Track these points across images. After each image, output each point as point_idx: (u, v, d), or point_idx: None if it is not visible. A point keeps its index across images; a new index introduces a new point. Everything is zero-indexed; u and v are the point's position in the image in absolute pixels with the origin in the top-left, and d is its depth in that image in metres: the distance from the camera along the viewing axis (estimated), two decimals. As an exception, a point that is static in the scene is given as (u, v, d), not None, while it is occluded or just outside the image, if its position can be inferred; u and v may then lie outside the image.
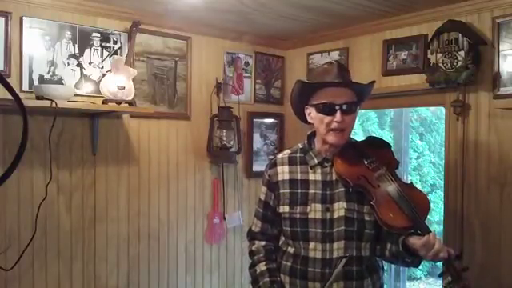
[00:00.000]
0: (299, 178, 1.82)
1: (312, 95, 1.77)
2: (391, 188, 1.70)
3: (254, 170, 3.34)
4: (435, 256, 1.52)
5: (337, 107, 1.69)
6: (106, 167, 2.68)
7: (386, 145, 1.91)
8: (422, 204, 1.68)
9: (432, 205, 1.75)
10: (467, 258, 2.39)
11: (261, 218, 1.92)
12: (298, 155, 1.87)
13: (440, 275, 1.58)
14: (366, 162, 1.77)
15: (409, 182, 1.85)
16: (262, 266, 1.85)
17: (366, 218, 1.73)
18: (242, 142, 3.23)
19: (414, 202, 1.65)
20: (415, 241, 1.57)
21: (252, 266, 1.90)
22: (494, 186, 2.33)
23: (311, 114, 1.79)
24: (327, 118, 1.71)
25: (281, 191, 1.84)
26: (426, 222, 1.66)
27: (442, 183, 2.61)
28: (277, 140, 3.48)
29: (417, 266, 1.73)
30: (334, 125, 1.71)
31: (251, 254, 1.92)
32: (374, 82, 1.82)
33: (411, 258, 1.62)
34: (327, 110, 1.71)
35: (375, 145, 1.86)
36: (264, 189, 1.92)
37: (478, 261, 2.35)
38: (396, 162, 1.84)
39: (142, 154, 2.84)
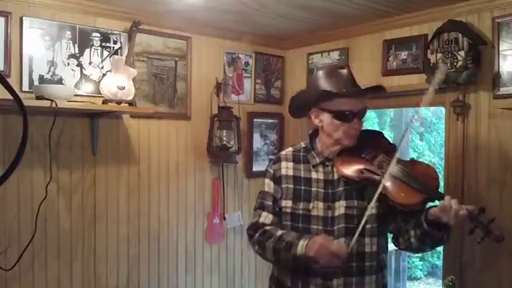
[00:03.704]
0: (302, 175, 1.84)
1: (325, 101, 1.77)
2: (394, 169, 1.72)
3: (254, 170, 3.34)
4: (456, 217, 1.53)
5: (355, 115, 1.74)
6: (106, 167, 2.68)
7: (376, 132, 1.96)
8: (428, 175, 1.71)
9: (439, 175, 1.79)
10: (468, 257, 2.39)
11: (271, 211, 1.86)
12: (301, 154, 1.89)
13: (469, 233, 1.58)
14: (362, 155, 1.81)
15: (409, 159, 1.87)
16: (282, 231, 1.78)
17: (367, 212, 1.73)
18: (242, 142, 3.23)
19: (420, 175, 1.68)
20: (435, 210, 1.59)
21: (270, 237, 1.78)
22: (493, 185, 2.33)
23: (323, 119, 1.79)
24: (345, 126, 1.74)
25: (283, 186, 1.85)
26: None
27: (442, 183, 2.61)
28: (277, 140, 3.48)
29: (446, 241, 1.70)
30: (353, 132, 1.76)
31: (264, 232, 1.81)
32: (383, 88, 1.85)
33: (438, 233, 1.61)
34: (346, 117, 1.74)
35: (366, 136, 1.87)
36: (271, 183, 1.89)
37: (478, 260, 2.35)
38: (391, 145, 1.88)
39: (141, 153, 2.84)
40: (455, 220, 1.54)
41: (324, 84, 1.77)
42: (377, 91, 1.82)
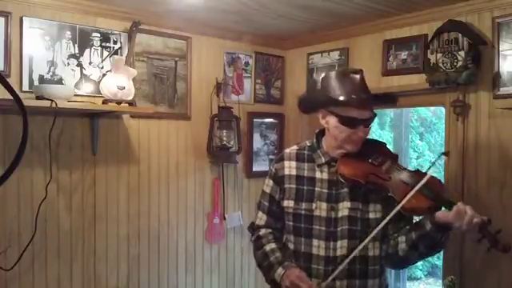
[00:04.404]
0: (306, 175, 1.84)
1: (333, 105, 1.78)
2: (403, 175, 1.74)
3: (254, 170, 3.34)
4: (470, 223, 1.53)
5: (361, 122, 1.74)
6: (106, 167, 2.68)
7: (380, 142, 1.97)
8: (435, 183, 1.72)
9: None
10: (468, 258, 2.39)
11: (266, 212, 1.92)
12: (305, 152, 1.89)
13: (477, 243, 1.58)
14: (370, 160, 1.80)
15: (414, 169, 1.88)
16: (272, 245, 1.86)
17: (371, 216, 1.75)
18: (242, 142, 3.23)
19: (428, 183, 1.68)
20: (445, 214, 1.58)
21: (260, 247, 1.88)
22: (494, 186, 2.33)
23: (329, 120, 1.78)
24: (350, 131, 1.74)
25: (286, 186, 1.85)
26: None
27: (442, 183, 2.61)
28: (277, 140, 3.48)
29: (441, 248, 1.70)
30: (357, 138, 1.76)
31: (258, 238, 1.91)
32: (395, 97, 1.86)
33: (438, 234, 1.61)
34: (352, 124, 1.73)
35: (370, 144, 1.88)
36: (270, 182, 1.92)
37: (479, 261, 2.35)
38: (395, 155, 1.90)
39: (141, 153, 2.84)
40: (467, 227, 1.54)
41: (335, 87, 1.75)
42: (387, 102, 1.83)
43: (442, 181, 2.55)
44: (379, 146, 1.91)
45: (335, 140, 1.79)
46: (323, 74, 1.84)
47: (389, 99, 1.92)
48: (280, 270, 1.75)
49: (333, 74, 1.82)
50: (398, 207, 1.63)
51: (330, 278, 1.68)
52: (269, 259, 1.82)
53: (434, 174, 1.77)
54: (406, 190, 1.68)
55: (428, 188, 1.67)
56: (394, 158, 1.85)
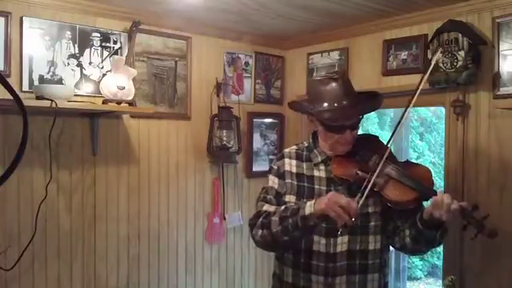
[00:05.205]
0: (305, 173, 1.86)
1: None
2: (388, 169, 1.75)
3: (254, 170, 3.34)
4: (448, 211, 1.55)
5: (347, 127, 1.76)
6: (106, 167, 2.68)
7: (371, 135, 1.99)
8: (422, 174, 1.74)
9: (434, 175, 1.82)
10: (468, 258, 2.39)
11: (274, 205, 1.84)
12: (304, 152, 1.92)
13: (462, 229, 1.59)
14: (357, 157, 1.83)
15: (404, 160, 1.89)
16: (283, 206, 1.77)
17: (370, 210, 1.76)
18: (242, 142, 3.23)
19: (413, 174, 1.71)
20: (428, 207, 1.61)
21: (272, 215, 1.75)
22: (493, 186, 2.33)
23: (317, 125, 1.82)
24: (336, 136, 1.77)
25: (287, 181, 1.87)
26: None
27: (442, 183, 2.61)
28: (277, 140, 3.48)
29: (440, 242, 1.71)
30: (344, 142, 1.79)
31: (267, 215, 1.77)
32: (378, 96, 1.85)
33: (433, 233, 1.63)
34: (337, 130, 1.76)
35: (362, 140, 1.90)
36: (275, 179, 1.89)
37: (478, 262, 2.35)
38: (385, 146, 1.86)
39: (141, 153, 2.84)
40: (447, 215, 1.56)
41: (317, 95, 1.80)
42: (372, 101, 1.84)
43: (443, 181, 2.56)
44: (371, 140, 1.94)
45: (325, 143, 1.84)
46: (309, 78, 1.86)
47: (374, 98, 1.90)
48: (310, 202, 1.65)
49: (316, 80, 1.84)
50: (369, 186, 1.66)
51: (364, 196, 1.65)
52: (291, 207, 1.72)
53: (421, 164, 1.76)
54: (388, 182, 1.71)
55: (411, 179, 1.69)
56: (382, 150, 1.82)
